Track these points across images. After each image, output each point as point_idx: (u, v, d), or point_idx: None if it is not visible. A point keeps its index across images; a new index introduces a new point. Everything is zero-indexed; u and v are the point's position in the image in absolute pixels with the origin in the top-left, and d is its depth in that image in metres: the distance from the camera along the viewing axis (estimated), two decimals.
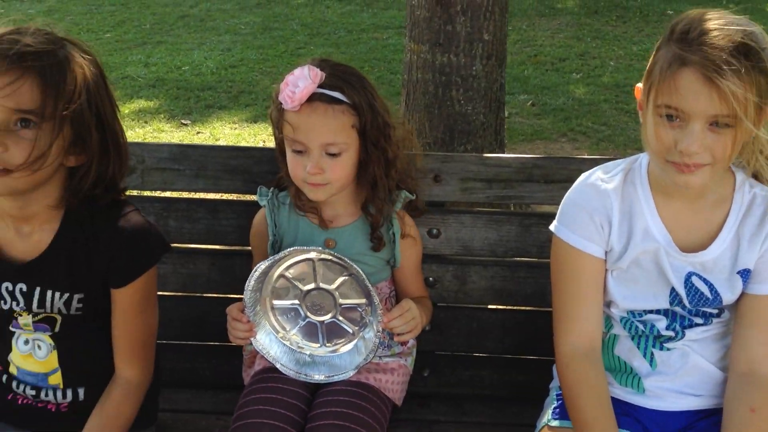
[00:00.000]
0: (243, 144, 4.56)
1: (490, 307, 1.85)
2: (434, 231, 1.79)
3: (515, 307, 1.84)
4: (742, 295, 1.37)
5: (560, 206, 1.45)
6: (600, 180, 1.40)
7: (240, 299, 1.59)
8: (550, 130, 4.79)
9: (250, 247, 1.70)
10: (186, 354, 1.86)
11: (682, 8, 7.40)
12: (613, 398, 1.43)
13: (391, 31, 7.05)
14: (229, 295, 1.81)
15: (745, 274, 1.35)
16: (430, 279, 1.80)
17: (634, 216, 1.37)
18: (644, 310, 1.41)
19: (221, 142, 4.59)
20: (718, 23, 1.19)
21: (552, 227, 1.44)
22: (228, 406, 1.64)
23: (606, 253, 1.39)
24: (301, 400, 1.52)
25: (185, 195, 1.84)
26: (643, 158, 1.41)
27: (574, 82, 5.66)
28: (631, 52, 6.35)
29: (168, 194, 1.84)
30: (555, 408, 1.46)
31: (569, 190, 1.45)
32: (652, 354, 1.43)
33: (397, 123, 1.59)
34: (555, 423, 1.42)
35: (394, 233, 1.60)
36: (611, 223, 1.37)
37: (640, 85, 1.33)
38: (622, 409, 1.43)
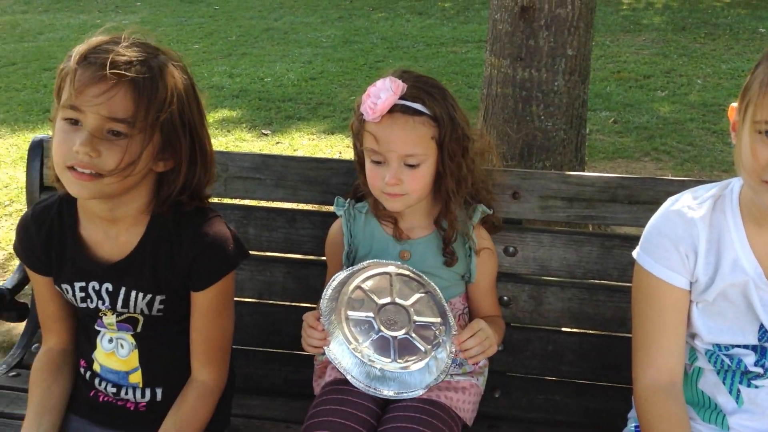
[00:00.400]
0: (320, 155, 4.63)
1: (566, 329, 1.79)
2: (511, 249, 1.75)
3: (592, 331, 1.78)
4: None
5: (644, 232, 1.38)
6: (687, 207, 1.33)
7: (313, 308, 1.60)
8: (632, 148, 4.66)
9: (324, 257, 1.71)
10: (258, 360, 1.88)
11: None
12: None
13: (470, 45, 7.03)
14: (302, 304, 1.83)
15: None
16: (505, 298, 1.77)
17: (722, 246, 1.30)
18: (731, 344, 1.33)
19: (299, 153, 4.67)
20: None
21: (635, 254, 1.38)
22: (298, 415, 1.65)
23: (691, 284, 1.32)
24: (371, 414, 1.51)
25: (265, 204, 1.87)
26: (735, 184, 1.33)
27: (658, 100, 5.49)
28: (720, 71, 6.11)
29: (248, 203, 1.87)
30: None
31: (654, 216, 1.38)
32: (738, 391, 1.35)
33: (477, 136, 1.57)
34: None
35: (470, 247, 1.58)
36: (697, 253, 1.31)
37: (735, 104, 1.26)
38: None
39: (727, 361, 1.34)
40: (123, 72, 1.26)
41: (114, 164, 1.28)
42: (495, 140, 3.28)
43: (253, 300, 1.88)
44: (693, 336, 1.36)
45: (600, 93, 5.62)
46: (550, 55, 2.99)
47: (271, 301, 1.88)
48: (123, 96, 1.26)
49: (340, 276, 1.48)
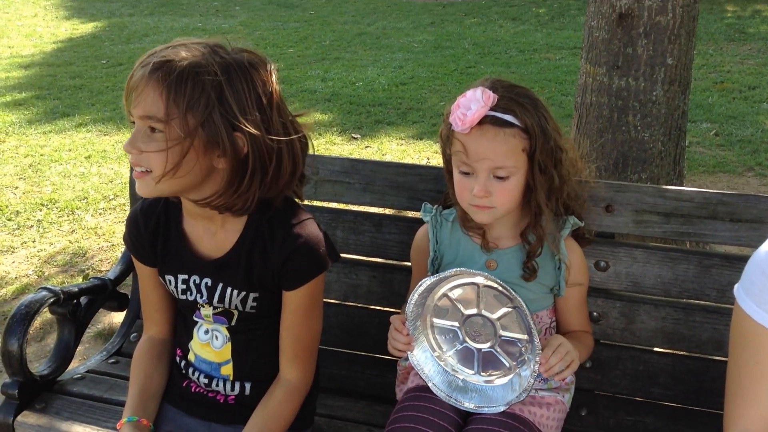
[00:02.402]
0: (408, 160, 4.65)
1: (658, 350, 1.72)
2: (602, 263, 1.70)
3: (687, 353, 1.70)
4: None
5: (746, 268, 1.25)
6: None
7: (397, 312, 1.60)
8: (734, 162, 4.44)
9: (409, 263, 1.72)
10: (342, 361, 1.91)
11: None
12: None
13: (564, 51, 6.89)
14: (386, 308, 1.84)
15: None
16: (595, 314, 1.72)
17: None
18: None
19: (388, 157, 4.70)
20: None
21: (735, 290, 1.26)
22: (379, 419, 1.66)
23: None
24: (453, 424, 1.50)
25: (353, 207, 1.89)
26: None
27: (764, 113, 5.22)
28: None
29: (337, 206, 1.90)
30: None
31: (758, 251, 1.24)
32: None
33: (569, 146, 1.53)
34: None
35: (559, 260, 1.54)
36: None
37: None
38: None
39: None
40: (158, 73, 1.29)
41: (157, 160, 1.32)
42: (589, 150, 3.20)
43: (339, 302, 1.91)
44: None
45: (701, 104, 5.39)
46: (649, 64, 2.89)
47: (356, 304, 1.90)
48: (154, 95, 1.30)
49: (427, 282, 1.47)
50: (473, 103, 1.42)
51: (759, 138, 4.74)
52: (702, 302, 1.67)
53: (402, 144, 4.92)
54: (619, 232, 1.71)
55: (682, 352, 1.71)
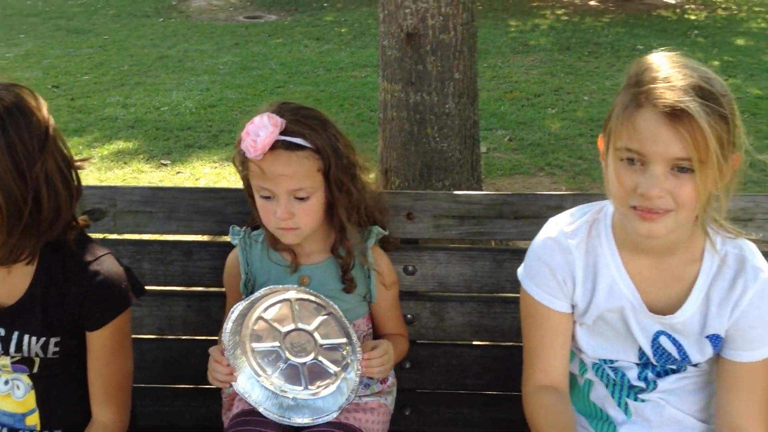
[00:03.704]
0: (224, 183, 4.57)
1: (468, 343, 1.85)
2: (410, 268, 1.80)
3: (494, 343, 1.84)
4: (720, 358, 1.34)
5: (527, 253, 1.43)
6: (564, 235, 1.37)
7: (216, 341, 1.58)
8: (528, 164, 4.86)
9: (224, 288, 1.70)
10: (164, 397, 1.84)
11: (651, 43, 7.58)
12: None
13: (369, 69, 7.14)
14: (205, 337, 1.80)
15: (715, 339, 1.32)
16: (408, 316, 1.81)
17: (599, 272, 1.34)
18: (615, 359, 1.40)
19: (201, 182, 4.60)
20: (676, 65, 1.19)
21: (519, 273, 1.43)
22: None
23: (572, 306, 1.38)
24: None
25: (159, 237, 1.83)
26: (609, 207, 1.37)
27: (549, 117, 5.75)
28: (604, 87, 6.48)
29: (141, 237, 1.83)
30: None
31: (535, 240, 1.42)
32: (626, 404, 1.40)
33: (363, 160, 1.60)
34: None
35: (368, 269, 1.61)
36: (575, 279, 1.35)
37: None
38: None
39: (612, 374, 1.40)
40: None
41: None
42: (395, 162, 3.36)
43: (155, 336, 1.84)
44: (580, 350, 1.42)
45: (495, 112, 5.83)
46: (439, 79, 3.09)
47: (173, 336, 1.85)
48: None
49: (239, 307, 1.47)
50: (261, 130, 1.44)
51: (547, 141, 5.23)
52: (500, 294, 1.81)
53: (216, 167, 4.83)
54: (422, 237, 1.82)
55: (489, 343, 1.84)
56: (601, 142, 1.31)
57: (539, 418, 1.36)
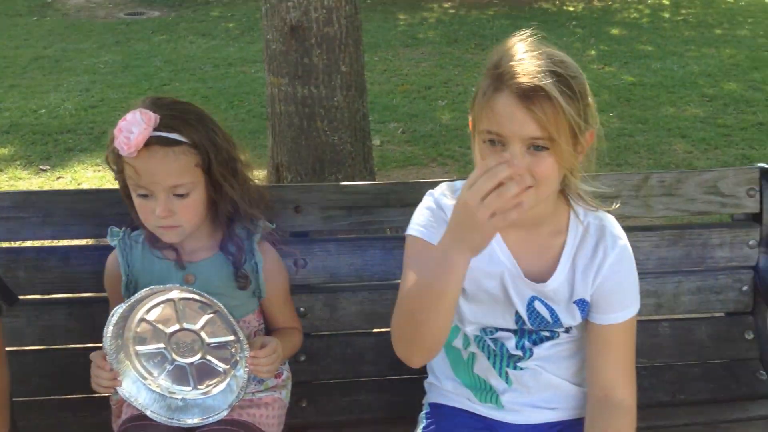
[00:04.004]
0: (108, 186, 4.39)
1: (362, 331, 1.87)
2: (301, 261, 1.80)
3: (388, 329, 1.87)
4: (588, 322, 1.42)
5: (414, 214, 1.46)
6: (443, 195, 1.43)
7: (100, 348, 1.52)
8: (421, 155, 4.94)
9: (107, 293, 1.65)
10: (50, 409, 1.76)
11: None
12: (475, 414, 1.49)
13: (259, 64, 7.03)
14: (89, 345, 1.73)
15: (581, 304, 1.41)
16: (301, 309, 1.81)
17: None
18: (495, 328, 1.46)
19: (84, 186, 4.39)
20: (530, 49, 1.26)
21: (408, 231, 1.44)
22: None
23: None
24: None
25: (33, 244, 1.75)
26: None
27: (440, 109, 5.88)
28: None
29: (13, 244, 1.74)
30: (424, 427, 1.49)
31: (421, 204, 1.47)
32: (507, 373, 1.48)
33: (244, 154, 1.58)
34: None
35: (256, 263, 1.59)
36: None
37: None
38: (484, 423, 1.48)
39: (492, 345, 1.47)
40: None
41: None
42: (287, 156, 3.34)
43: (36, 347, 1.76)
44: (463, 323, 1.48)
45: (387, 105, 5.90)
46: (326, 72, 3.10)
47: (56, 346, 1.77)
48: None
49: (119, 310, 1.42)
50: (134, 126, 1.39)
51: (438, 132, 5.34)
52: (390, 281, 1.84)
53: (99, 170, 4.63)
54: (311, 230, 1.82)
55: (382, 329, 1.87)
56: (471, 125, 1.37)
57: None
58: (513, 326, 1.44)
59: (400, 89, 6.39)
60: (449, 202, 1.41)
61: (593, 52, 7.58)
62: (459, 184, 1.47)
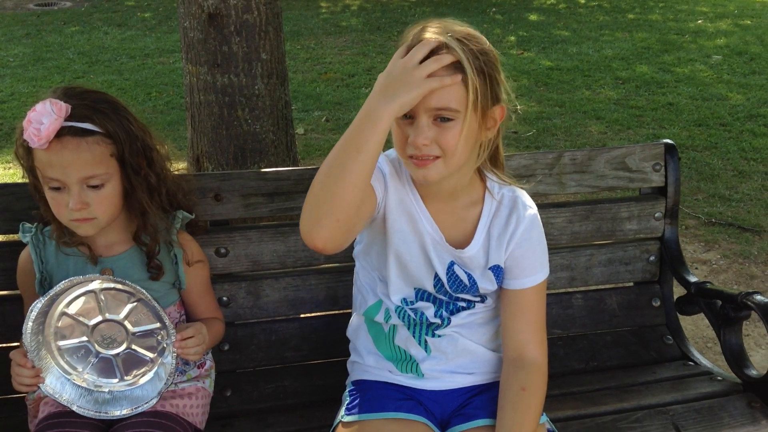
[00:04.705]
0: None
1: (285, 317, 1.88)
2: (222, 250, 1.79)
3: (310, 315, 1.88)
4: (502, 289, 1.51)
5: None
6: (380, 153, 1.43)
7: (17, 347, 1.48)
8: None
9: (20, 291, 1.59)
10: None
11: None
12: (396, 384, 1.53)
13: (177, 55, 6.89)
14: (2, 345, 1.67)
15: (496, 270, 1.49)
16: (224, 298, 1.80)
17: (408, 206, 1.45)
18: (416, 291, 1.50)
19: None
20: (440, 25, 1.30)
21: None
22: None
23: (379, 201, 1.42)
24: None
25: None
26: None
27: (363, 96, 5.89)
28: None
29: None
30: (348, 404, 1.52)
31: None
32: (426, 341, 1.53)
33: (160, 143, 1.56)
34: (348, 418, 1.48)
35: (175, 254, 1.58)
36: (388, 189, 1.42)
37: None
38: (405, 394, 1.52)
39: (412, 315, 1.52)
40: None
41: None
42: (207, 147, 3.28)
43: None
44: (387, 295, 1.52)
45: (311, 94, 5.87)
46: (246, 60, 3.06)
47: None
48: None
49: (39, 305, 1.38)
50: (45, 117, 1.35)
51: None
52: (314, 267, 1.86)
53: (10, 167, 4.43)
54: (232, 218, 1.81)
55: (306, 315, 1.88)
56: None
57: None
58: (432, 290, 1.50)
59: (323, 77, 6.37)
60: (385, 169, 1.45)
61: (513, 38, 7.74)
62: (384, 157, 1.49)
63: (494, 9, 9.18)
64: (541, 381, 1.46)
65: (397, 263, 1.49)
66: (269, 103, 3.22)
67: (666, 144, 2.00)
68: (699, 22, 8.43)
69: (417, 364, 1.54)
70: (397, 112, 1.24)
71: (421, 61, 1.25)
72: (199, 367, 1.65)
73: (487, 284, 1.50)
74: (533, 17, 8.81)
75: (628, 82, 6.16)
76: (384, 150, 1.37)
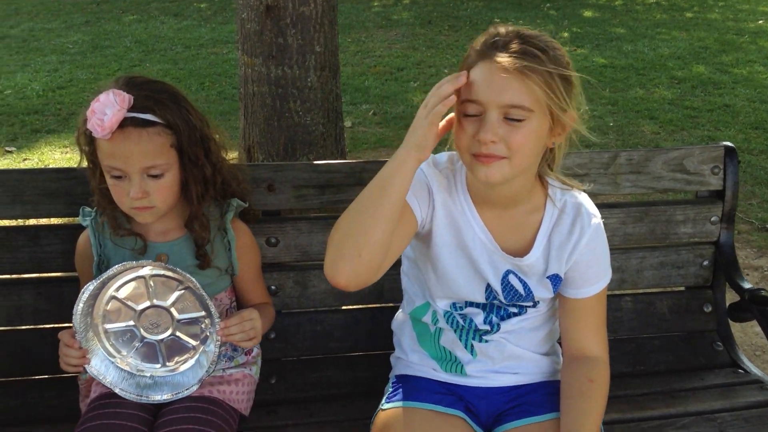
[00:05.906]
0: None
1: (331, 308, 1.89)
2: (273, 240, 1.81)
3: (355, 306, 1.90)
4: (563, 297, 1.48)
5: None
6: (429, 166, 1.45)
7: (71, 327, 1.52)
8: (392, 137, 4.95)
9: (77, 273, 1.64)
10: (15, 391, 1.75)
11: (508, 16, 7.91)
12: (437, 381, 1.53)
13: (230, 45, 6.99)
14: (59, 325, 1.73)
15: (555, 279, 1.46)
16: (272, 287, 1.82)
17: (457, 218, 1.43)
18: (465, 302, 1.48)
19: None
20: (521, 31, 1.29)
21: None
22: None
23: (422, 224, 1.42)
24: (143, 422, 1.48)
25: (2, 223, 1.73)
26: (460, 166, 1.45)
27: (412, 90, 5.88)
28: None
29: None
30: (389, 394, 1.53)
31: None
32: (472, 345, 1.52)
33: (218, 133, 1.57)
34: (387, 406, 1.49)
35: (229, 241, 1.60)
36: (434, 204, 1.41)
37: None
38: (448, 389, 1.52)
39: (461, 320, 1.50)
40: None
41: None
42: (258, 137, 3.33)
43: (3, 328, 1.75)
44: (433, 297, 1.51)
45: (359, 87, 5.89)
46: (300, 52, 3.09)
47: (23, 327, 1.75)
48: None
49: (90, 287, 1.42)
50: (108, 108, 1.37)
51: (410, 113, 5.34)
52: None
53: (67, 152, 4.57)
54: (283, 208, 1.83)
55: (351, 307, 1.90)
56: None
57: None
58: (483, 300, 1.47)
59: (372, 71, 6.38)
60: (437, 175, 1.45)
61: (566, 34, 7.63)
62: (439, 159, 1.49)
63: (548, 5, 9.05)
64: (606, 375, 1.45)
65: (443, 278, 1.46)
66: (320, 96, 3.25)
67: (726, 147, 1.95)
68: (759, 22, 8.17)
69: (462, 365, 1.54)
70: (418, 154, 1.26)
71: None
72: (246, 354, 1.68)
73: (543, 292, 1.47)
74: (588, 13, 8.66)
75: (683, 82, 6.01)
76: (435, 152, 1.37)
